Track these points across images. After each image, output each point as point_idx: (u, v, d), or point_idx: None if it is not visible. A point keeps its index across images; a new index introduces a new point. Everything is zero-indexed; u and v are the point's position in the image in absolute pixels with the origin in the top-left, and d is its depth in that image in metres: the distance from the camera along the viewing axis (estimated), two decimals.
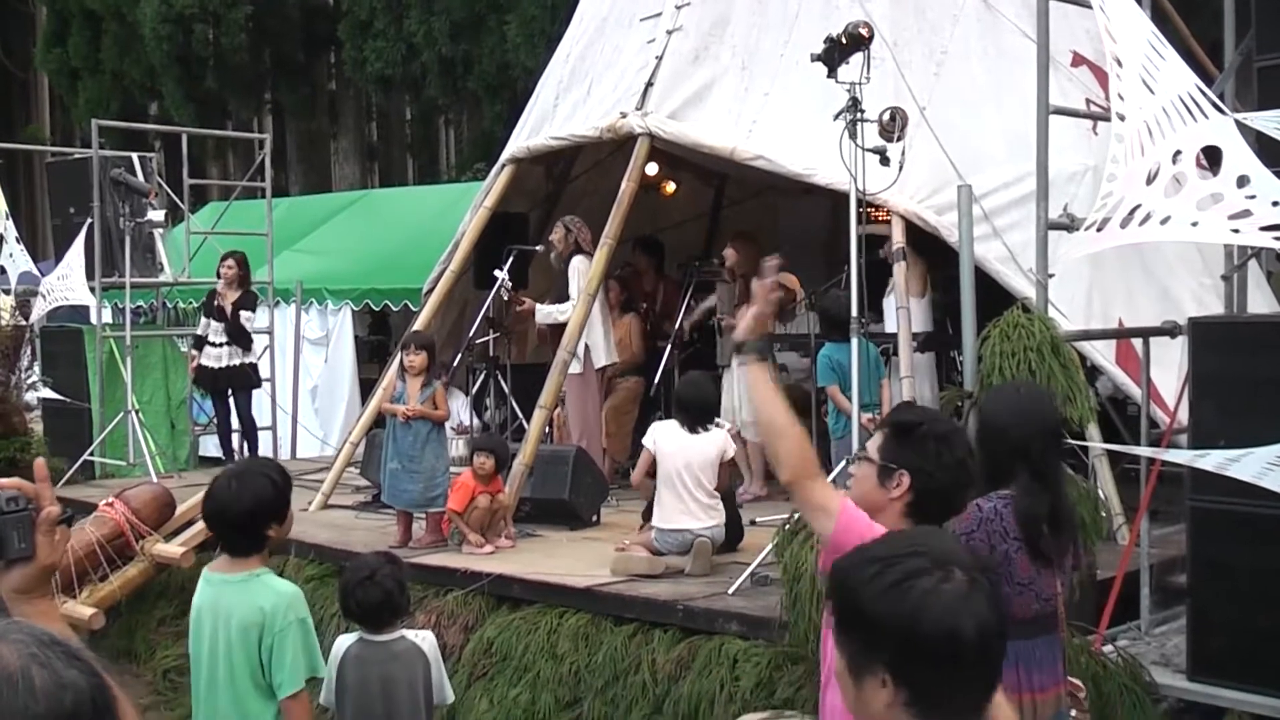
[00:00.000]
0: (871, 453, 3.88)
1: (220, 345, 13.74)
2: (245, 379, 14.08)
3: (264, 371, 14.75)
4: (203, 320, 13.99)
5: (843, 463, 9.26)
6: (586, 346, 11.39)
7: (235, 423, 14.29)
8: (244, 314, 13.83)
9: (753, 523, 9.64)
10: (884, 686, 2.35)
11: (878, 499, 3.80)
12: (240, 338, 13.81)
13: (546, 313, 11.91)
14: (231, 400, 14.06)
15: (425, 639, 5.94)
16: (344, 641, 5.83)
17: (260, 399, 14.63)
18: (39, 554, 2.62)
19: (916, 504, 3.74)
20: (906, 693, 2.34)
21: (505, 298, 11.95)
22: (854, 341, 8.35)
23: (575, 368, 11.18)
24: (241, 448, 14.22)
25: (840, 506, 3.63)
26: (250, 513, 4.87)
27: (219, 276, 13.86)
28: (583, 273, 11.41)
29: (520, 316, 12.53)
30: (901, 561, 2.38)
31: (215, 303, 13.83)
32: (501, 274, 11.82)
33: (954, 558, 2.40)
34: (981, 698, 2.42)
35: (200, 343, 13.85)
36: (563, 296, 11.74)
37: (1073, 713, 4.78)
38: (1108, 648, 6.96)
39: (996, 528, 4.66)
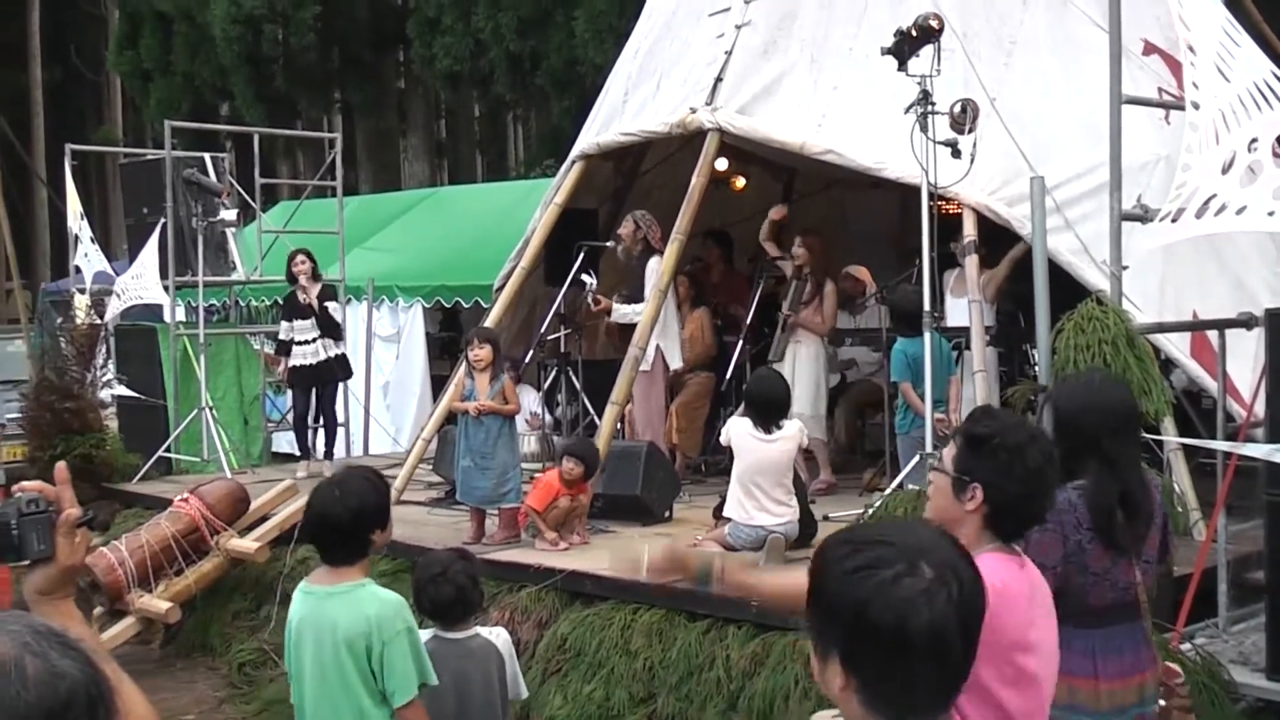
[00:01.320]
0: (946, 464, 3.77)
1: (312, 341, 13.77)
2: (341, 370, 14.19)
3: None
4: (284, 325, 13.92)
5: (914, 458, 9.24)
6: (658, 346, 11.36)
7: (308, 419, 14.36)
8: (331, 305, 13.91)
9: (825, 518, 9.62)
10: (840, 670, 2.33)
11: (954, 512, 3.68)
12: (333, 329, 13.89)
13: (623, 313, 11.83)
14: (315, 396, 14.11)
15: (499, 635, 5.93)
16: None
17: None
18: (59, 555, 2.64)
19: (993, 516, 3.64)
20: (857, 680, 2.31)
21: (589, 298, 11.95)
22: (925, 336, 8.31)
23: (644, 365, 11.17)
24: (315, 445, 14.27)
25: None
26: (355, 517, 4.79)
27: (292, 276, 13.80)
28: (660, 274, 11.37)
29: (590, 313, 12.53)
30: (870, 549, 2.34)
31: (300, 301, 13.81)
32: (590, 279, 11.84)
33: (925, 553, 2.33)
34: (939, 698, 2.36)
35: (286, 347, 13.86)
36: (634, 292, 11.72)
37: (1161, 701, 4.70)
38: (1185, 645, 6.88)
39: (1070, 519, 4.62)
